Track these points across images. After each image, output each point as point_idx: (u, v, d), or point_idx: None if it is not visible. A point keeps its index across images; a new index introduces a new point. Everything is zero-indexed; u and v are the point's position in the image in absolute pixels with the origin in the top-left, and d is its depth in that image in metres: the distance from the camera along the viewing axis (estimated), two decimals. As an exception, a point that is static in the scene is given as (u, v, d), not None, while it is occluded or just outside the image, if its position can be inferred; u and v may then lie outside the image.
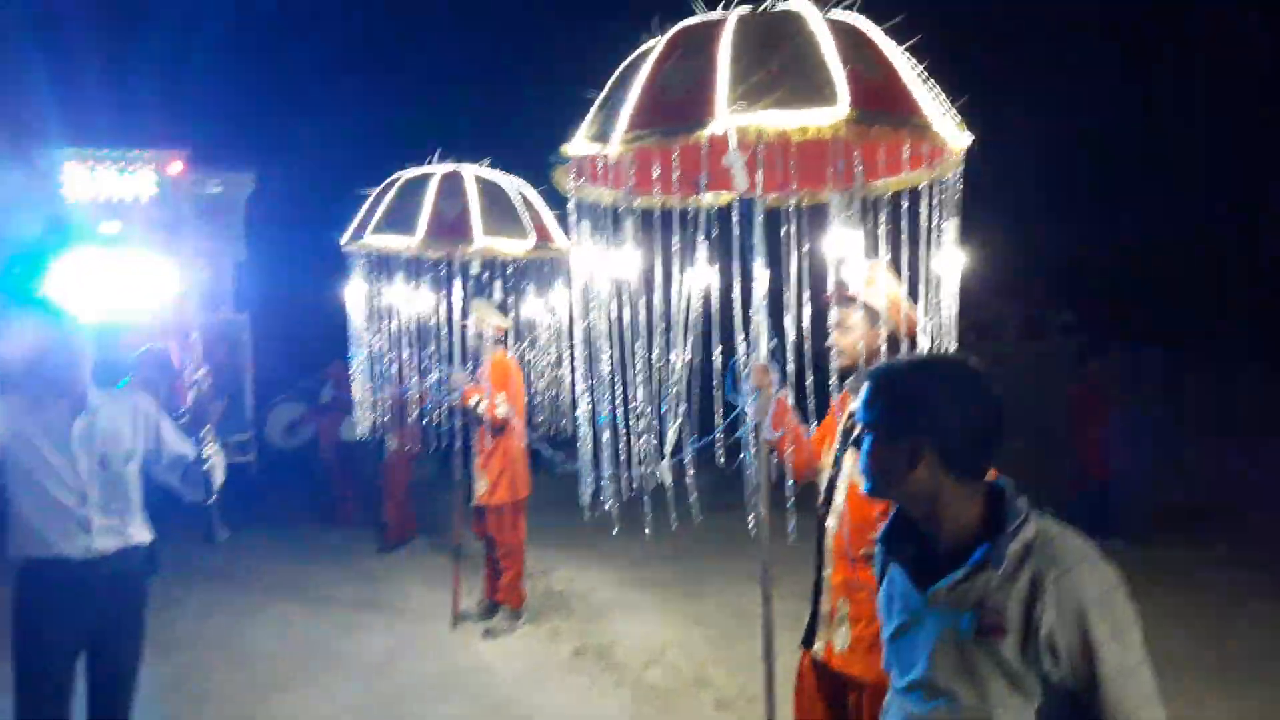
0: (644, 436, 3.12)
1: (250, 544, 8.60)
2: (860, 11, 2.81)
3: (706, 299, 3.05)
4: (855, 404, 3.10)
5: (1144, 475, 8.90)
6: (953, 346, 2.92)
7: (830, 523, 2.93)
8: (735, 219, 2.91)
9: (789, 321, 2.91)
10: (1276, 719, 5.04)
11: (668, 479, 3.17)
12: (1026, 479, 1.99)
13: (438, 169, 5.75)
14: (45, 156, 10.39)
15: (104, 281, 9.66)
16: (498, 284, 6.21)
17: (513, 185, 5.87)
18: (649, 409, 3.10)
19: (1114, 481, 8.72)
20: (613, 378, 3.13)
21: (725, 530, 5.74)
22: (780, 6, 2.78)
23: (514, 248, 5.70)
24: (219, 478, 3.77)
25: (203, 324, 10.58)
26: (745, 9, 2.79)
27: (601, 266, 3.10)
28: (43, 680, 3.46)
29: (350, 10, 18.24)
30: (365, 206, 5.78)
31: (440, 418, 6.26)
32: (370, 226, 5.59)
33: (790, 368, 2.94)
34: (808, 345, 2.90)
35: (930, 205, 2.89)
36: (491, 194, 5.67)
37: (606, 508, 3.17)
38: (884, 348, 2.94)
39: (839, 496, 2.91)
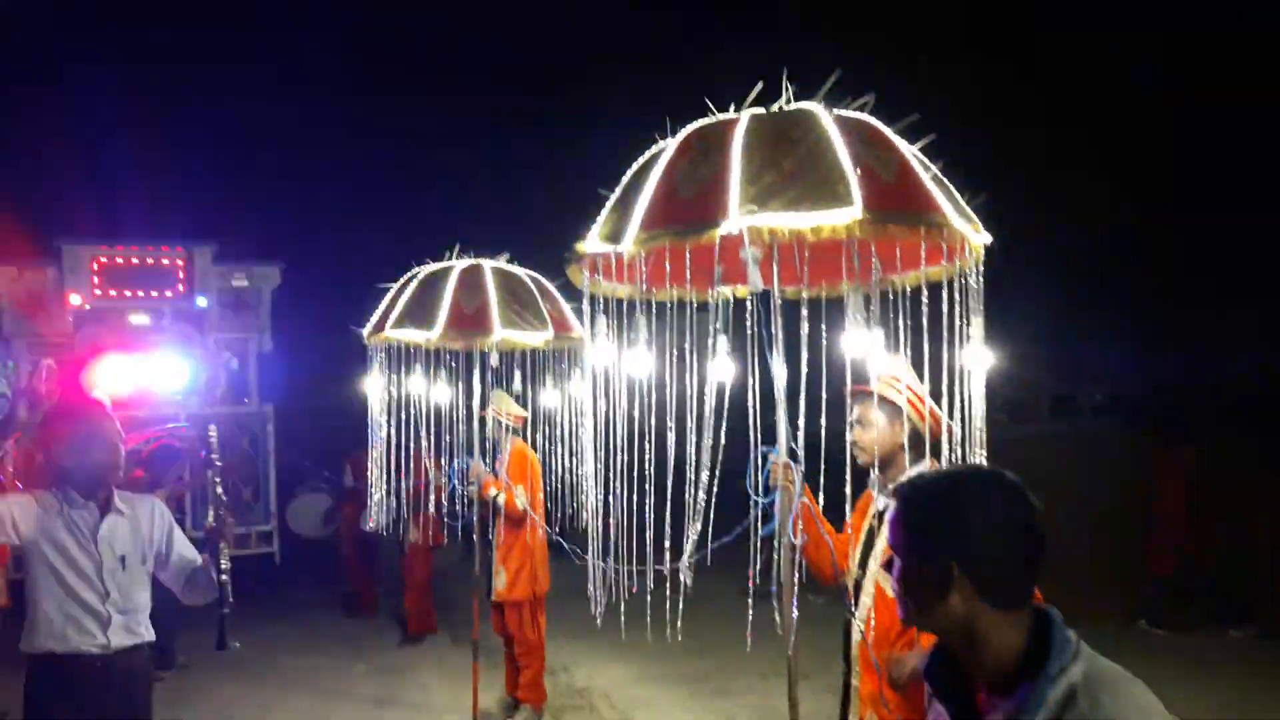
0: (663, 532, 3.06)
1: (271, 635, 8.53)
2: (875, 110, 2.81)
3: (721, 393, 3.00)
4: (877, 504, 3.06)
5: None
6: (981, 430, 2.83)
7: (855, 629, 2.84)
8: (749, 310, 2.87)
9: (806, 418, 2.85)
10: None
11: (688, 579, 3.10)
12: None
13: (458, 264, 5.81)
14: (75, 252, 10.61)
15: (132, 374, 9.79)
16: (516, 374, 6.21)
17: (530, 278, 5.91)
18: (666, 504, 3.04)
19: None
20: (627, 472, 3.08)
21: (754, 621, 5.57)
22: (793, 106, 2.79)
23: (532, 339, 5.72)
24: (229, 591, 3.79)
25: (226, 415, 10.69)
26: (758, 109, 2.80)
27: (616, 360, 3.09)
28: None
29: (376, 113, 18.83)
30: (386, 300, 5.83)
31: (460, 508, 6.21)
32: (391, 320, 5.63)
33: (805, 465, 2.87)
34: (824, 442, 2.83)
35: (951, 300, 2.83)
36: (510, 287, 5.71)
37: (610, 604, 3.10)
38: (906, 445, 2.88)
39: (865, 600, 2.82)
